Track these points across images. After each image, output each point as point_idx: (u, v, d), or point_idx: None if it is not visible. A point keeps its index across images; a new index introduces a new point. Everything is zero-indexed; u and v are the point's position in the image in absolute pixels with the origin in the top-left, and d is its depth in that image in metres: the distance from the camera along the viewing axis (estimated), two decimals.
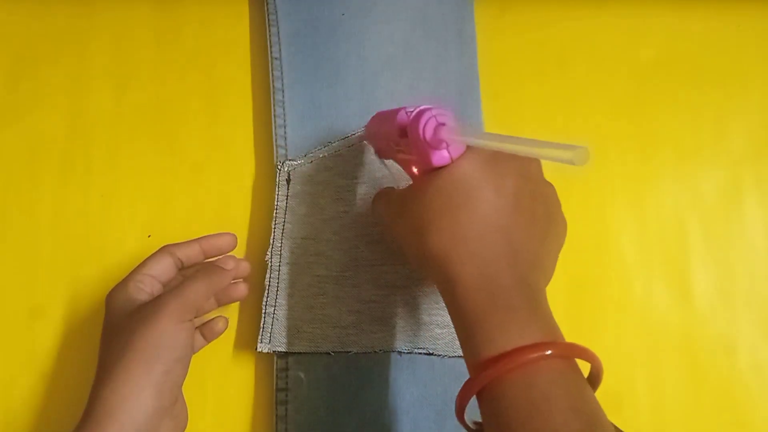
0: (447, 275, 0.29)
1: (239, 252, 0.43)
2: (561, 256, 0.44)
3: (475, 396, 0.27)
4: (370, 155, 0.42)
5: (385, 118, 0.36)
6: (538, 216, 0.30)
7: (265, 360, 0.41)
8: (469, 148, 0.30)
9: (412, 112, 0.31)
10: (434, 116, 0.30)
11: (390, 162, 0.39)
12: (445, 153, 0.30)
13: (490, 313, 0.27)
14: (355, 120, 0.43)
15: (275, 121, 0.43)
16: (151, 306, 0.33)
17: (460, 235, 0.29)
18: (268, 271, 0.41)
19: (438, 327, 0.40)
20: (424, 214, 0.30)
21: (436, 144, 0.30)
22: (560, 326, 0.43)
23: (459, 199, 0.29)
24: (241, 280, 0.40)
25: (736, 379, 0.43)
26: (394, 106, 0.43)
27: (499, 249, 0.29)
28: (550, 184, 0.33)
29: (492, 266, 0.28)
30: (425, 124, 0.30)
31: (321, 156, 0.43)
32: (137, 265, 0.36)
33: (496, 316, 0.27)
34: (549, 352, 0.26)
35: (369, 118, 0.43)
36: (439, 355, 0.40)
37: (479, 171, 0.30)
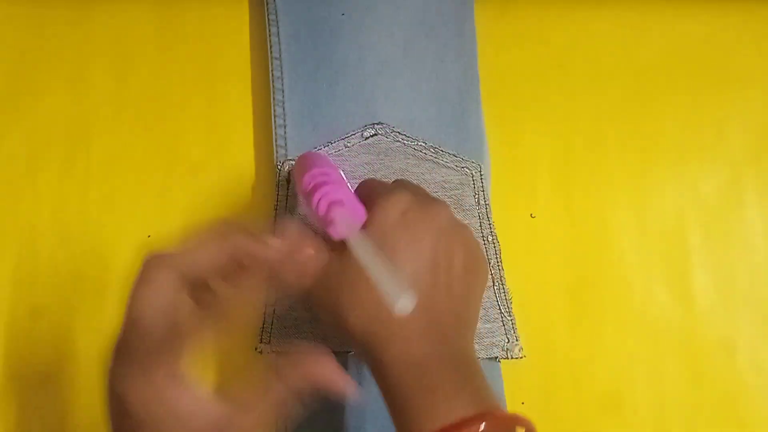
0: (370, 356, 0.28)
1: None
2: (561, 256, 0.44)
3: None
4: (371, 155, 0.43)
5: (299, 168, 0.35)
6: (456, 272, 0.30)
7: (265, 360, 0.41)
8: (376, 210, 0.30)
9: (311, 182, 0.31)
10: (325, 195, 0.30)
11: None
12: (341, 229, 0.29)
13: (418, 393, 0.27)
14: (355, 120, 0.43)
15: (275, 121, 0.43)
16: None
17: (378, 314, 0.28)
18: None
19: None
20: (341, 291, 0.29)
21: (330, 222, 0.29)
22: (560, 326, 0.43)
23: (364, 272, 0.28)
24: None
25: (736, 379, 0.43)
26: (394, 106, 0.43)
27: (420, 326, 0.28)
28: (464, 226, 0.33)
29: (415, 345, 0.28)
30: (318, 203, 0.30)
31: None
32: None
33: (423, 396, 0.27)
34: (482, 427, 0.25)
35: (369, 118, 0.43)
36: None
37: (391, 240, 0.29)
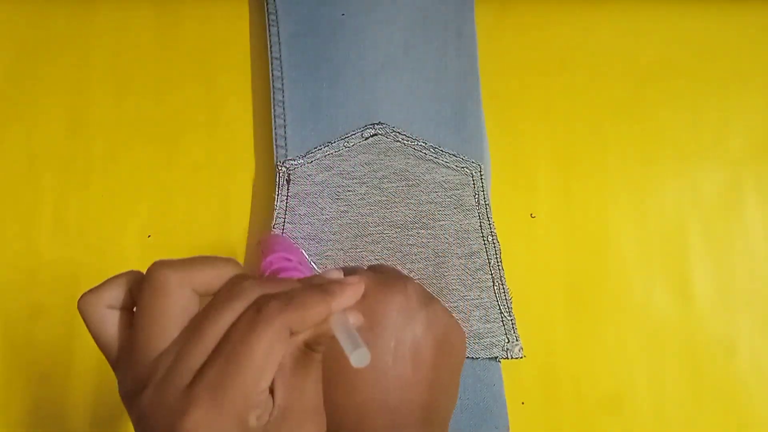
0: None
1: (239, 253, 0.43)
2: (561, 256, 0.44)
3: None
4: (371, 155, 0.43)
5: (263, 248, 0.34)
6: (424, 357, 0.28)
7: None
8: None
9: (268, 268, 0.30)
10: (271, 264, 0.29)
11: None
12: None
13: None
14: (355, 120, 0.43)
15: (275, 121, 0.43)
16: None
17: (339, 412, 0.26)
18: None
19: None
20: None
21: None
22: (560, 326, 0.43)
23: (335, 373, 0.26)
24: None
25: (736, 379, 0.43)
26: (394, 106, 0.43)
27: (380, 422, 0.26)
28: (431, 302, 0.30)
29: None
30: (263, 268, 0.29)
31: (321, 156, 0.43)
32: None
33: None
34: None
35: (369, 118, 0.43)
36: None
37: None
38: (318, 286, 0.24)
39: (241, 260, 0.43)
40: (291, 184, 0.42)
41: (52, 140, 0.45)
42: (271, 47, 0.45)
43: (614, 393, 0.42)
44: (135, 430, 0.23)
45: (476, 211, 0.42)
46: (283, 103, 0.44)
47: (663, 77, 0.47)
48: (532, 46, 0.47)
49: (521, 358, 0.40)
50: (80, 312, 0.23)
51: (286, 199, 0.42)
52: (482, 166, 0.43)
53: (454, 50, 0.45)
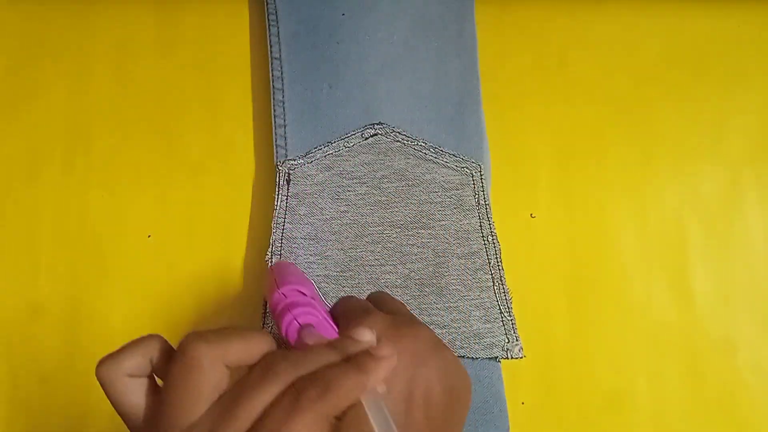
0: None
1: (238, 253, 0.43)
2: (561, 256, 0.44)
3: None
4: (371, 155, 0.43)
5: (270, 282, 0.33)
6: (435, 403, 0.28)
7: None
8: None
9: (281, 302, 0.29)
10: (295, 318, 0.28)
11: None
12: None
13: None
14: (355, 120, 0.43)
15: (275, 121, 0.43)
16: None
17: None
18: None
19: (438, 327, 0.40)
20: None
21: (302, 346, 0.27)
22: (560, 326, 0.43)
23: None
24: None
25: (736, 379, 0.43)
26: (394, 106, 0.43)
27: None
28: (442, 347, 0.30)
29: None
30: (287, 327, 0.28)
31: (321, 156, 0.43)
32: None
33: None
34: None
35: (369, 118, 0.43)
36: None
37: None
38: (353, 363, 0.24)
39: (240, 260, 0.43)
40: (291, 184, 0.42)
41: (52, 140, 0.45)
42: (271, 47, 0.45)
43: (614, 393, 0.42)
44: None
45: (476, 211, 0.42)
46: (283, 103, 0.44)
47: (663, 77, 0.47)
48: (532, 46, 0.47)
49: (521, 358, 0.40)
50: (99, 379, 0.23)
51: (286, 199, 0.42)
52: (482, 166, 0.43)
53: (454, 50, 0.45)
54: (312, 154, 0.43)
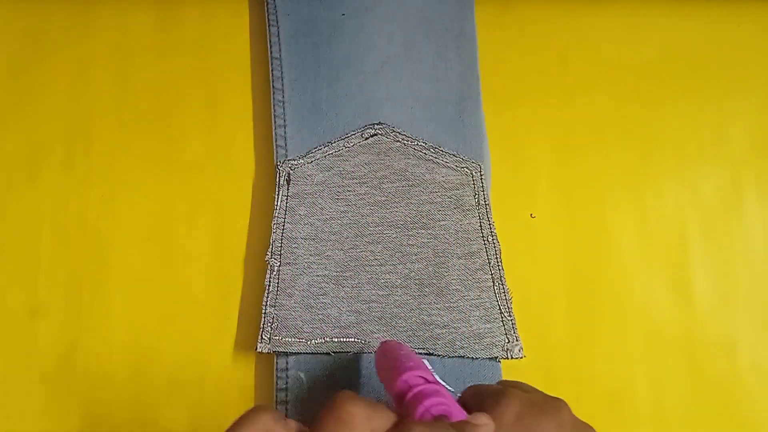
0: None
1: (238, 253, 0.43)
2: (561, 256, 0.44)
3: None
4: (371, 155, 0.43)
5: (387, 365, 0.33)
6: None
7: (265, 360, 0.41)
8: (497, 416, 0.28)
9: (408, 391, 0.29)
10: (428, 410, 0.28)
11: None
12: None
13: None
14: (355, 120, 0.43)
15: (275, 121, 0.43)
16: None
17: None
18: (268, 271, 0.41)
19: (438, 327, 0.40)
20: None
21: None
22: (560, 326, 0.43)
23: None
24: None
25: (736, 379, 0.43)
26: (394, 106, 0.43)
27: None
28: (585, 424, 0.29)
29: None
30: (422, 417, 0.28)
31: (321, 156, 0.43)
32: None
33: None
34: None
35: (369, 118, 0.43)
36: (439, 356, 0.40)
37: None
38: None
39: (241, 260, 0.43)
40: (291, 184, 0.42)
41: (52, 140, 0.45)
42: (271, 47, 0.45)
43: (614, 392, 0.42)
44: None
45: (476, 211, 0.42)
46: (283, 103, 0.44)
47: (663, 77, 0.47)
48: (532, 47, 0.47)
49: (521, 358, 0.40)
50: None
51: (286, 199, 0.42)
52: (482, 166, 0.43)
53: (454, 50, 0.45)
54: (312, 154, 0.43)
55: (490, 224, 0.42)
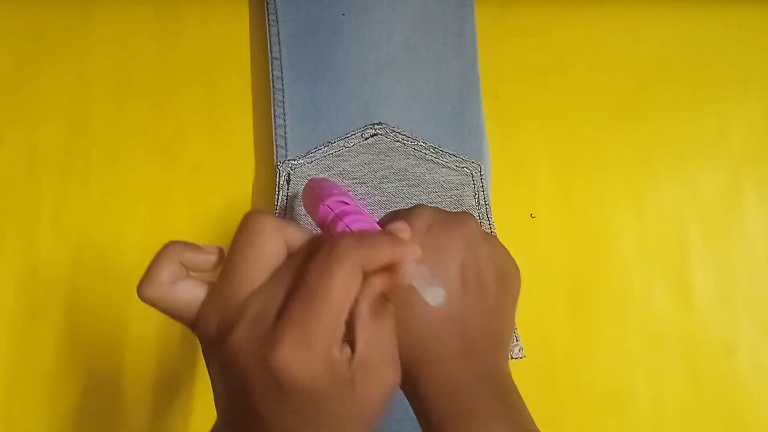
0: (408, 380, 0.28)
1: None
2: (561, 256, 0.44)
3: None
4: (371, 155, 0.43)
5: (311, 194, 0.34)
6: (487, 285, 0.29)
7: None
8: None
9: (329, 214, 0.30)
10: (347, 226, 0.29)
11: None
12: None
13: (455, 415, 0.26)
14: (355, 120, 0.43)
15: (275, 121, 0.43)
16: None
17: (412, 336, 0.27)
18: None
19: None
20: None
21: None
22: (560, 326, 0.43)
23: (401, 297, 0.26)
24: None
25: (736, 379, 0.43)
26: (394, 106, 0.43)
27: (454, 344, 0.27)
28: (492, 237, 0.31)
29: (449, 365, 0.27)
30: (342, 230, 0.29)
31: (321, 156, 0.43)
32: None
33: (460, 417, 0.26)
34: None
35: (369, 118, 0.43)
36: None
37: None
38: (385, 233, 0.25)
39: None
40: (291, 184, 0.42)
41: (52, 141, 0.45)
42: (271, 47, 0.45)
43: (614, 393, 0.42)
44: (215, 380, 0.24)
45: (476, 211, 0.42)
46: (283, 103, 0.44)
47: (663, 77, 0.47)
48: (532, 46, 0.47)
49: (521, 358, 0.40)
50: (145, 301, 0.24)
51: (286, 199, 0.42)
52: (482, 166, 0.43)
53: (454, 50, 0.45)
54: (312, 154, 0.43)
55: (490, 224, 0.42)
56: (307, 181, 0.42)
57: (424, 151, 0.43)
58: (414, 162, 0.43)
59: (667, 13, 0.48)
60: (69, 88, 0.46)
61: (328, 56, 0.44)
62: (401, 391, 0.29)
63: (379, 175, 0.42)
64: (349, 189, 0.39)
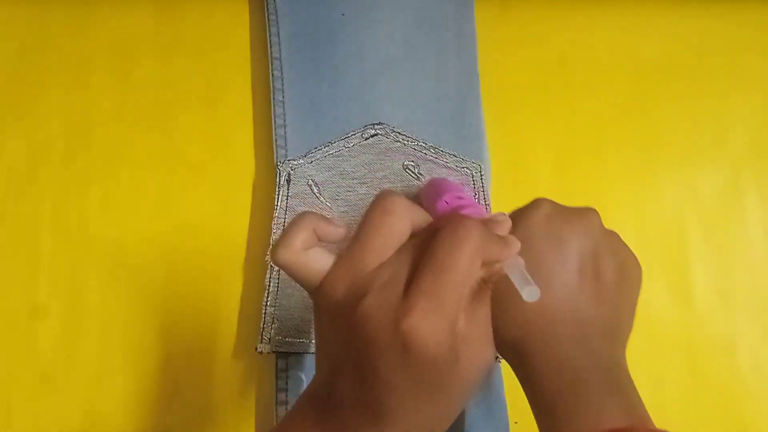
0: (519, 361, 0.29)
1: (238, 253, 0.43)
2: None
3: None
4: (371, 155, 0.43)
5: (430, 193, 0.36)
6: (606, 277, 0.30)
7: (265, 360, 0.41)
8: (520, 217, 0.31)
9: (447, 208, 0.32)
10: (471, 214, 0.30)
11: None
12: None
13: (565, 399, 0.27)
14: (355, 120, 0.43)
15: (275, 121, 0.43)
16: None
17: (529, 321, 0.28)
18: (268, 271, 0.41)
19: None
20: (491, 301, 0.28)
21: None
22: None
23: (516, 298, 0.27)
24: None
25: (736, 379, 0.43)
26: (394, 106, 0.43)
27: (569, 331, 0.28)
28: (613, 232, 0.32)
29: (563, 350, 0.28)
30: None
31: (321, 156, 0.43)
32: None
33: (571, 402, 0.27)
34: None
35: (369, 118, 0.43)
36: None
37: (536, 244, 0.29)
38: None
39: (241, 260, 0.43)
40: (291, 184, 0.42)
41: (52, 140, 0.45)
42: (271, 47, 0.45)
43: None
44: (330, 341, 0.26)
45: None
46: (283, 103, 0.44)
47: (663, 77, 0.47)
48: (532, 46, 0.47)
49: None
50: (281, 265, 0.25)
51: (286, 199, 0.42)
52: (482, 166, 0.43)
53: (454, 50, 0.45)
54: (312, 154, 0.43)
55: None
56: (308, 180, 0.42)
57: (424, 151, 0.43)
58: (414, 162, 0.43)
59: (667, 13, 0.48)
60: (69, 85, 0.46)
61: (328, 56, 0.44)
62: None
63: (379, 175, 0.42)
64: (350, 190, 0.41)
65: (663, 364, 0.43)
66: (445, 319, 0.22)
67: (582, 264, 0.29)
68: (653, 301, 0.44)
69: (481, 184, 0.43)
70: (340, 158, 0.42)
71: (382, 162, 0.42)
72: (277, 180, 0.42)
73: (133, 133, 0.45)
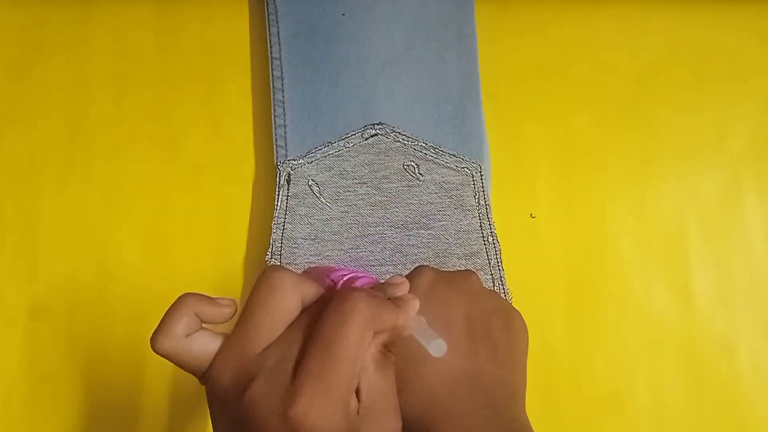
0: None
1: (238, 253, 0.43)
2: (561, 256, 0.44)
3: None
4: (371, 155, 0.43)
5: (314, 273, 0.35)
6: (496, 338, 0.29)
7: None
8: (410, 286, 0.30)
9: (340, 280, 0.31)
10: (362, 285, 0.29)
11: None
12: None
13: None
14: (355, 120, 0.43)
15: (275, 121, 0.43)
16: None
17: (434, 394, 0.27)
18: None
19: None
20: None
21: None
22: (560, 326, 0.43)
23: (414, 354, 0.27)
24: None
25: (736, 379, 0.43)
26: (394, 106, 0.43)
27: (474, 398, 0.27)
28: (493, 292, 0.32)
29: (468, 420, 0.27)
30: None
31: (321, 156, 0.43)
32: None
33: None
34: None
35: (369, 118, 0.43)
36: None
37: (424, 311, 0.27)
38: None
39: (241, 260, 0.43)
40: (291, 184, 0.42)
41: (52, 140, 0.45)
42: (271, 47, 0.45)
43: (614, 393, 0.42)
44: (222, 430, 0.24)
45: (476, 211, 0.42)
46: (283, 103, 0.44)
47: (663, 76, 0.47)
48: (532, 47, 0.47)
49: None
50: (159, 353, 0.24)
51: (286, 199, 0.42)
52: (482, 166, 0.43)
53: (454, 50, 0.45)
54: (312, 154, 0.43)
55: (490, 224, 0.42)
56: (308, 180, 0.42)
57: (424, 151, 0.43)
58: (414, 162, 0.43)
59: (667, 13, 0.48)
60: (69, 85, 0.46)
61: (328, 56, 0.44)
62: None
63: (379, 175, 0.42)
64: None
65: (663, 364, 0.43)
66: (336, 401, 0.21)
67: (470, 326, 0.29)
68: (653, 301, 0.44)
69: (481, 184, 0.43)
70: (341, 158, 0.42)
71: (382, 162, 0.42)
72: (277, 180, 0.42)
73: (132, 134, 0.45)
